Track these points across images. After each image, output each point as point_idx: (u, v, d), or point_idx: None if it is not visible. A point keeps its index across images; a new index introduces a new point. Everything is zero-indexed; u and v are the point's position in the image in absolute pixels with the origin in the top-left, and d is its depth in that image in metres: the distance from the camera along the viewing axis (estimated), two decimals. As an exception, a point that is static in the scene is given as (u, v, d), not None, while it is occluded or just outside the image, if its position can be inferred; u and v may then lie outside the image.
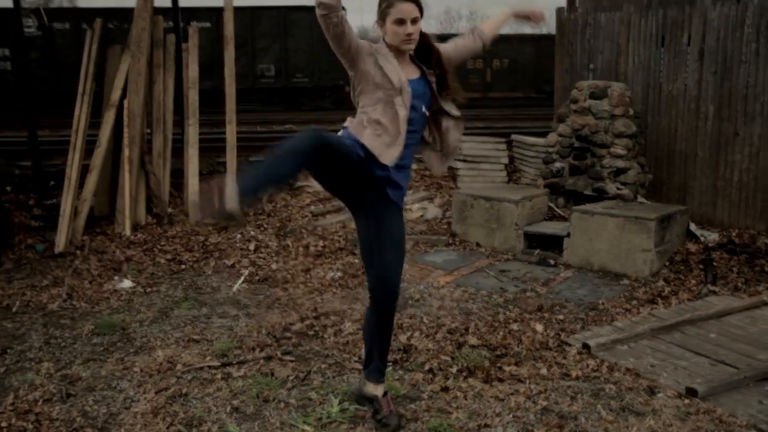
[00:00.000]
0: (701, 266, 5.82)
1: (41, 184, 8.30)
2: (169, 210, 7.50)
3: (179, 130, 8.06)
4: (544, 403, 3.55)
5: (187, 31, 8.22)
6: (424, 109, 3.09)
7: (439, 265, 6.21)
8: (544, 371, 3.96)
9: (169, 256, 6.37)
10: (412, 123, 3.03)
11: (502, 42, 22.87)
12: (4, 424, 3.58)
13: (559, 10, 8.74)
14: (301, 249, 6.55)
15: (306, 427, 3.32)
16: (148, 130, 7.81)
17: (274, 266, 6.08)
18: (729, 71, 6.46)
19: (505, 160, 8.47)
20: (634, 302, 5.25)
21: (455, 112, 3.17)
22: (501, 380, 3.85)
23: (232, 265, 6.17)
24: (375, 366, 3.33)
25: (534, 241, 6.54)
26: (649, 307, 5.11)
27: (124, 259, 6.29)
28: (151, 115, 7.79)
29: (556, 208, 7.05)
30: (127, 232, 6.94)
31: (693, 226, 6.43)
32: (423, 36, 3.09)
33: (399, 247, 3.18)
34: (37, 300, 5.40)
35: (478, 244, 6.77)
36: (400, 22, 2.95)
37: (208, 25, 18.30)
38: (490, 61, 22.37)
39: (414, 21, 2.96)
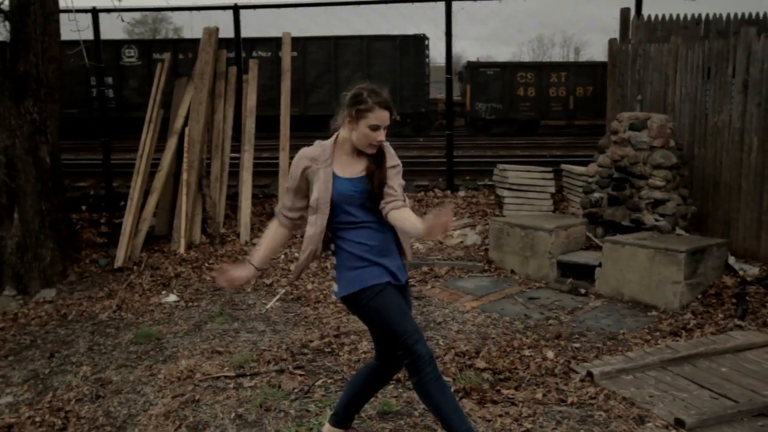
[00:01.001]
0: (734, 300, 5.71)
1: (113, 203, 8.97)
2: (222, 230, 7.96)
3: (237, 155, 8.55)
4: (529, 426, 3.64)
5: (248, 63, 8.74)
6: (362, 205, 3.05)
7: (470, 291, 6.34)
8: (539, 396, 4.05)
9: (214, 274, 6.77)
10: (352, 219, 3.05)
11: (585, 69, 22.66)
12: (38, 419, 4.01)
13: (612, 41, 8.77)
14: (338, 271, 6.82)
15: (296, 436, 3.56)
16: (208, 156, 8.33)
17: (309, 286, 6.38)
18: (772, 103, 6.34)
19: (552, 189, 8.51)
20: (657, 334, 5.22)
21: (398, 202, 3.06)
22: (495, 402, 3.97)
23: (271, 284, 6.51)
24: (349, 416, 3.42)
25: (567, 270, 6.57)
26: (669, 339, 5.07)
27: (174, 275, 6.75)
28: (211, 141, 8.32)
29: (594, 238, 7.05)
30: (182, 250, 7.43)
31: (732, 260, 6.30)
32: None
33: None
34: (90, 310, 5.91)
35: (512, 272, 6.85)
36: (375, 128, 2.96)
37: (294, 54, 19.08)
38: (574, 89, 22.16)
39: (385, 128, 3.01)
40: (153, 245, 7.66)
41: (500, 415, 3.77)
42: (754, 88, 6.50)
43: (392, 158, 3.11)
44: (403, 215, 3.01)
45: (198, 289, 6.43)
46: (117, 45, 18.67)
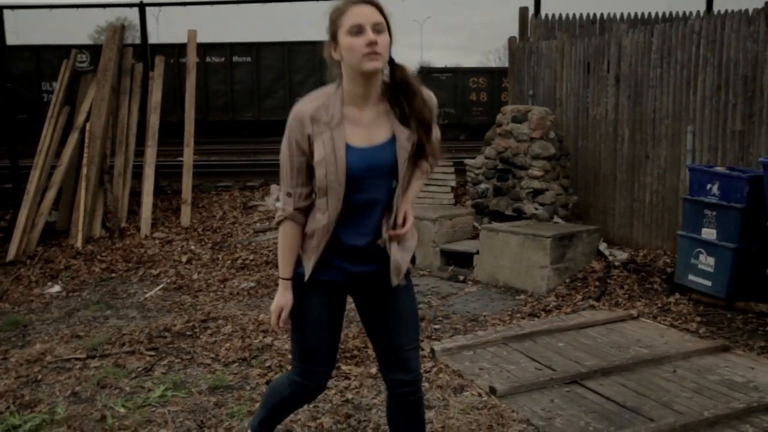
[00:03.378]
0: (597, 284, 5.97)
1: (19, 200, 8.94)
2: (125, 225, 8.02)
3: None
4: (350, 396, 3.80)
5: (155, 61, 8.82)
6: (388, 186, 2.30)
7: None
8: (373, 370, 4.21)
9: (104, 266, 6.85)
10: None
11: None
12: None
13: (511, 39, 9.03)
14: (229, 262, 6.94)
15: (120, 409, 3.66)
16: (112, 151, 8.38)
17: (195, 276, 6.49)
18: (639, 95, 6.63)
19: (453, 183, 8.72)
20: (518, 315, 5.44)
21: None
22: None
23: (158, 275, 6.59)
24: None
25: (451, 258, 6.78)
26: (527, 320, 5.29)
27: (64, 268, 6.79)
28: (115, 137, 8.37)
29: (480, 228, 7.27)
30: (79, 244, 7.47)
31: (603, 246, 6.57)
32: (397, 68, 2.24)
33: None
34: (-31, 301, 5.92)
35: (401, 261, 7.03)
36: (358, 30, 2.10)
37: (248, 59, 19.13)
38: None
39: (377, 29, 2.11)
40: (52, 240, 7.68)
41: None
42: (624, 81, 6.80)
43: (424, 91, 2.27)
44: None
45: (85, 280, 6.49)
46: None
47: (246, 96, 18.19)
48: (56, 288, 6.23)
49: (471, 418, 3.54)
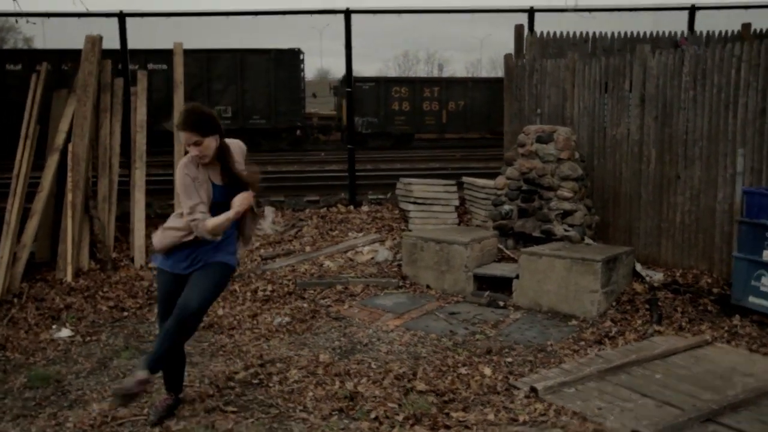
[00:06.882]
0: (647, 306, 5.89)
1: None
2: (114, 255, 7.31)
3: (126, 172, 7.92)
4: None
5: (136, 75, 8.14)
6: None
7: (389, 308, 6.15)
8: (491, 417, 3.91)
9: (111, 303, 6.18)
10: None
11: (457, 84, 23.38)
12: None
13: (507, 56, 8.95)
14: (249, 294, 6.43)
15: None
16: (94, 174, 7.65)
17: (220, 312, 5.95)
18: (669, 117, 6.64)
19: (456, 202, 8.52)
20: (582, 343, 5.27)
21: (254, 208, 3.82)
22: (448, 427, 3.79)
23: (177, 312, 6.00)
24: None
25: (484, 283, 6.55)
26: (596, 348, 5.12)
27: (64, 307, 6.07)
28: (97, 159, 7.65)
29: (505, 250, 7.09)
30: (69, 278, 6.73)
31: (639, 267, 6.52)
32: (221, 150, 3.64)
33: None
34: (-33, 352, 5.15)
35: (428, 287, 6.74)
36: (187, 145, 3.52)
37: (164, 67, 18.25)
38: (446, 103, 22.77)
39: (196, 143, 3.50)
40: (34, 274, 6.88)
41: (458, 441, 3.59)
42: (650, 103, 6.80)
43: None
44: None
45: (94, 321, 5.81)
46: None
47: (163, 106, 17.11)
48: (66, 332, 5.52)
49: (637, 469, 3.29)
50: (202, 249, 3.71)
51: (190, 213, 3.56)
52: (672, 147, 6.65)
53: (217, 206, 3.62)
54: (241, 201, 3.56)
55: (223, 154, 3.63)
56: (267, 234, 8.07)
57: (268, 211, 8.50)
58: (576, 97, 7.67)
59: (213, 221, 3.56)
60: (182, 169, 3.59)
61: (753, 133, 5.98)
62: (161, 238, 3.76)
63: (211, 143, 3.54)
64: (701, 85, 6.35)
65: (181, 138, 3.52)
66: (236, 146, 3.79)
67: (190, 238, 3.65)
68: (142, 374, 3.58)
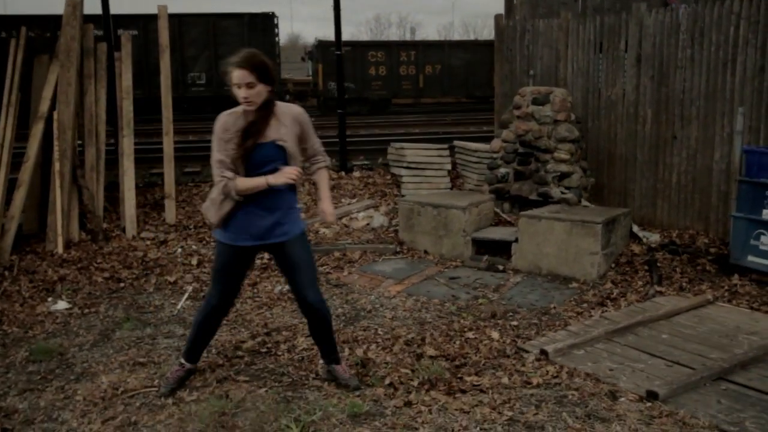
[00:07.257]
0: (646, 267, 5.92)
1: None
2: (104, 225, 7.17)
3: (112, 141, 7.74)
4: (510, 414, 3.49)
5: (120, 40, 7.90)
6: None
7: (389, 274, 6.12)
8: (505, 380, 3.92)
9: (106, 275, 6.07)
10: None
11: (433, 48, 23.18)
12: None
13: (498, 17, 8.83)
14: (246, 262, 6.34)
15: (267, 452, 3.17)
16: (80, 142, 7.45)
17: (219, 281, 5.86)
18: (665, 76, 6.61)
19: (449, 167, 8.47)
20: (585, 305, 5.29)
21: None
22: (464, 391, 3.78)
23: (175, 282, 5.92)
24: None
25: (482, 247, 6.54)
26: (599, 310, 5.15)
27: (58, 279, 5.95)
28: (83, 126, 7.45)
29: (502, 214, 7.07)
30: (60, 249, 6.59)
31: (636, 228, 6.55)
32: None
33: None
34: (-38, 327, 5.04)
35: (426, 252, 6.72)
36: (237, 86, 3.36)
37: (135, 32, 17.77)
38: (423, 67, 22.59)
39: (249, 85, 3.34)
40: (23, 246, 6.73)
41: (475, 405, 3.59)
42: (646, 62, 6.76)
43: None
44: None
45: (91, 293, 5.71)
46: None
47: (134, 73, 16.88)
48: (63, 304, 5.42)
49: (657, 429, 3.32)
50: (279, 213, 3.55)
51: (219, 167, 3.42)
52: (668, 107, 6.63)
53: (254, 167, 3.44)
54: (290, 173, 3.37)
55: (267, 108, 3.45)
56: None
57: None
58: (570, 57, 7.60)
59: (245, 183, 3.41)
60: (221, 119, 3.46)
61: (752, 91, 5.97)
62: (214, 210, 3.55)
63: (262, 91, 3.39)
64: (699, 43, 6.31)
65: (233, 77, 3.32)
66: (289, 111, 3.57)
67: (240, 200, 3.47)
68: (340, 368, 3.89)
